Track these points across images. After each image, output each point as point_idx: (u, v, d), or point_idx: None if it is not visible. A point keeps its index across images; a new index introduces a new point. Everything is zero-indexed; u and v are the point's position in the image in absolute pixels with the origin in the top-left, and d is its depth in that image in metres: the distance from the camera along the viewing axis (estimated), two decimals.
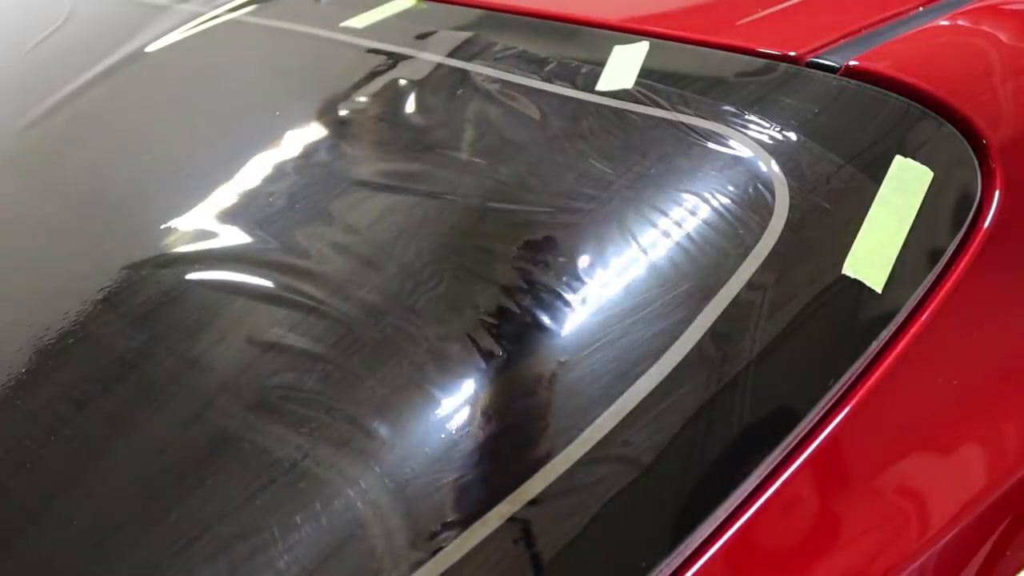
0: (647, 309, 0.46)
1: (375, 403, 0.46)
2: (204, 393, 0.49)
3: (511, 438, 0.42)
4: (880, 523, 0.47)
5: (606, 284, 0.47)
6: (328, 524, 0.41)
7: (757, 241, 0.49)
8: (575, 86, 0.61)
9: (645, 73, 0.61)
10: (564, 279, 0.48)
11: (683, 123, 0.56)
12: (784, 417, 0.45)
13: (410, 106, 0.67)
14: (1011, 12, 0.67)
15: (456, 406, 0.44)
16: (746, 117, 0.55)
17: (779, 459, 0.44)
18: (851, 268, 0.49)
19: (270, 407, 0.47)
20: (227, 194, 0.62)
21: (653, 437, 0.43)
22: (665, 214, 0.50)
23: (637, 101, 0.58)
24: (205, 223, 0.60)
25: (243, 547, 0.41)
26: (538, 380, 0.44)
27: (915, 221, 0.51)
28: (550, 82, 0.62)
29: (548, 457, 0.41)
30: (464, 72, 0.67)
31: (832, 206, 0.52)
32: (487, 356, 0.45)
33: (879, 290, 0.48)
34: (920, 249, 0.51)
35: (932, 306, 0.49)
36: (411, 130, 0.65)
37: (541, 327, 0.46)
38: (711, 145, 0.54)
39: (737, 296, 0.47)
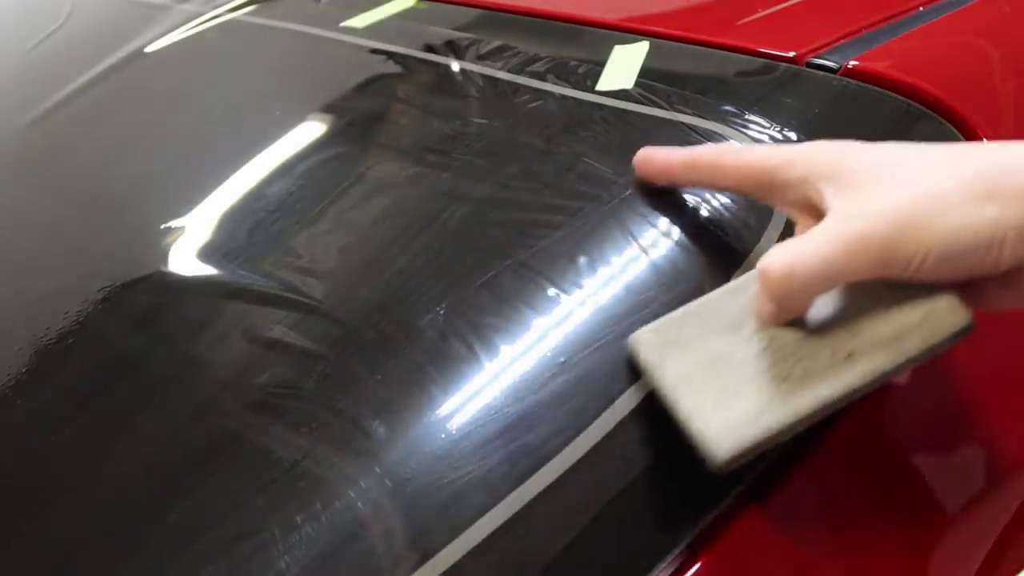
0: (647, 309, 0.46)
1: (375, 402, 0.46)
2: (204, 393, 0.49)
3: (509, 438, 0.42)
4: (880, 523, 0.47)
5: (605, 284, 0.47)
6: (328, 524, 0.41)
7: (757, 241, 0.49)
8: (575, 86, 0.61)
9: (645, 73, 0.61)
10: (564, 279, 0.48)
11: (683, 123, 0.56)
12: None
13: (410, 106, 0.67)
14: (1011, 12, 0.67)
15: (453, 408, 0.44)
16: (746, 117, 0.55)
17: (779, 460, 0.44)
18: None
19: (270, 407, 0.47)
20: (227, 194, 0.62)
21: (653, 436, 0.43)
22: (665, 214, 0.51)
23: (637, 101, 0.58)
24: (205, 223, 0.60)
25: (243, 547, 0.41)
26: (538, 380, 0.44)
27: None
28: (550, 82, 0.62)
29: (547, 457, 0.41)
30: (464, 72, 0.67)
31: None
32: (486, 357, 0.45)
33: None
34: None
35: None
36: (412, 130, 0.65)
37: (541, 326, 0.46)
38: None
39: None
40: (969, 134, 0.55)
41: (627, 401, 0.43)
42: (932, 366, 0.50)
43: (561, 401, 0.43)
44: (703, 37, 0.64)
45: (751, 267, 0.48)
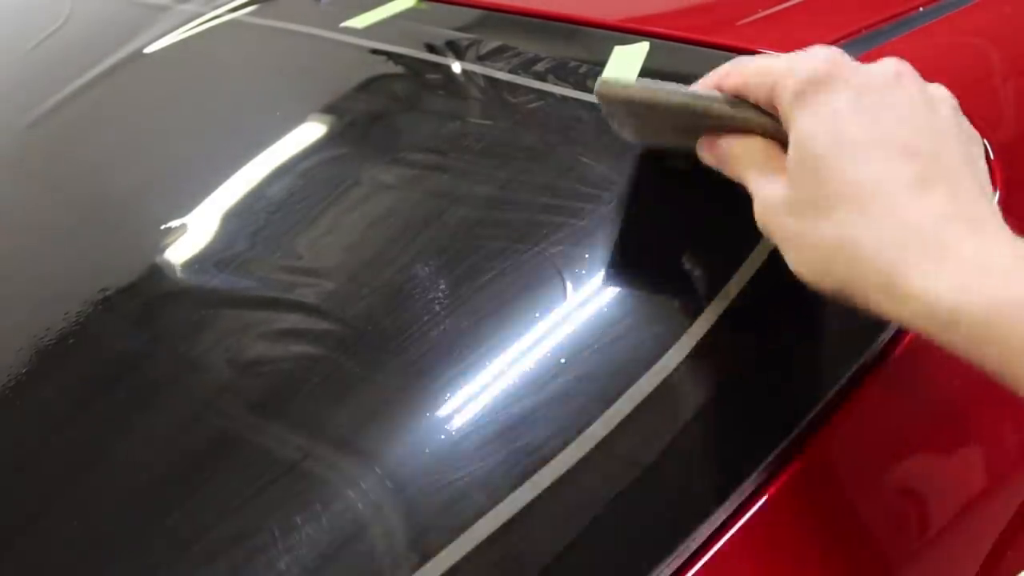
0: (645, 311, 0.46)
1: (375, 403, 0.46)
2: (203, 394, 0.49)
3: (510, 439, 0.42)
4: (880, 524, 0.47)
5: (604, 285, 0.47)
6: (328, 525, 0.41)
7: (758, 241, 0.49)
8: (575, 86, 0.61)
9: (645, 73, 0.61)
10: (564, 280, 0.48)
11: None
12: (784, 419, 0.45)
13: (410, 107, 0.67)
14: (1011, 12, 0.67)
15: (453, 409, 0.44)
16: None
17: (779, 460, 0.44)
18: None
19: (270, 407, 0.47)
20: (228, 195, 0.62)
21: (649, 442, 0.43)
22: (665, 215, 0.51)
23: None
24: (206, 224, 0.60)
25: (243, 548, 0.41)
26: (533, 383, 0.44)
27: None
28: (550, 82, 0.62)
29: (543, 462, 0.41)
30: (464, 72, 0.67)
31: None
32: (486, 358, 0.45)
33: None
34: None
35: None
36: (412, 131, 0.65)
37: (542, 327, 0.46)
38: None
39: (737, 296, 0.47)
40: None
41: (626, 402, 0.43)
42: (931, 365, 0.50)
43: (562, 402, 0.43)
44: (703, 37, 0.64)
45: (751, 266, 0.48)
